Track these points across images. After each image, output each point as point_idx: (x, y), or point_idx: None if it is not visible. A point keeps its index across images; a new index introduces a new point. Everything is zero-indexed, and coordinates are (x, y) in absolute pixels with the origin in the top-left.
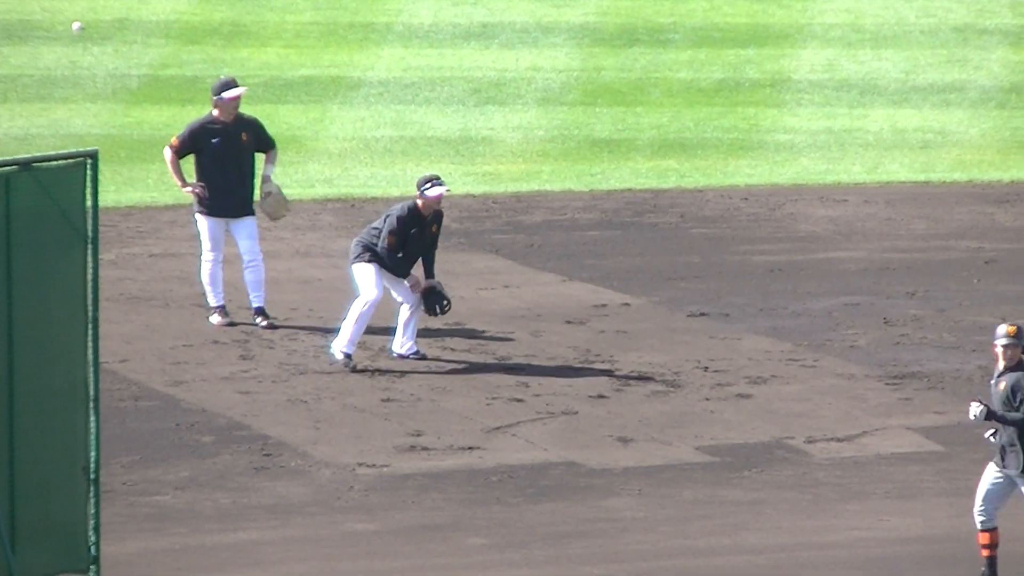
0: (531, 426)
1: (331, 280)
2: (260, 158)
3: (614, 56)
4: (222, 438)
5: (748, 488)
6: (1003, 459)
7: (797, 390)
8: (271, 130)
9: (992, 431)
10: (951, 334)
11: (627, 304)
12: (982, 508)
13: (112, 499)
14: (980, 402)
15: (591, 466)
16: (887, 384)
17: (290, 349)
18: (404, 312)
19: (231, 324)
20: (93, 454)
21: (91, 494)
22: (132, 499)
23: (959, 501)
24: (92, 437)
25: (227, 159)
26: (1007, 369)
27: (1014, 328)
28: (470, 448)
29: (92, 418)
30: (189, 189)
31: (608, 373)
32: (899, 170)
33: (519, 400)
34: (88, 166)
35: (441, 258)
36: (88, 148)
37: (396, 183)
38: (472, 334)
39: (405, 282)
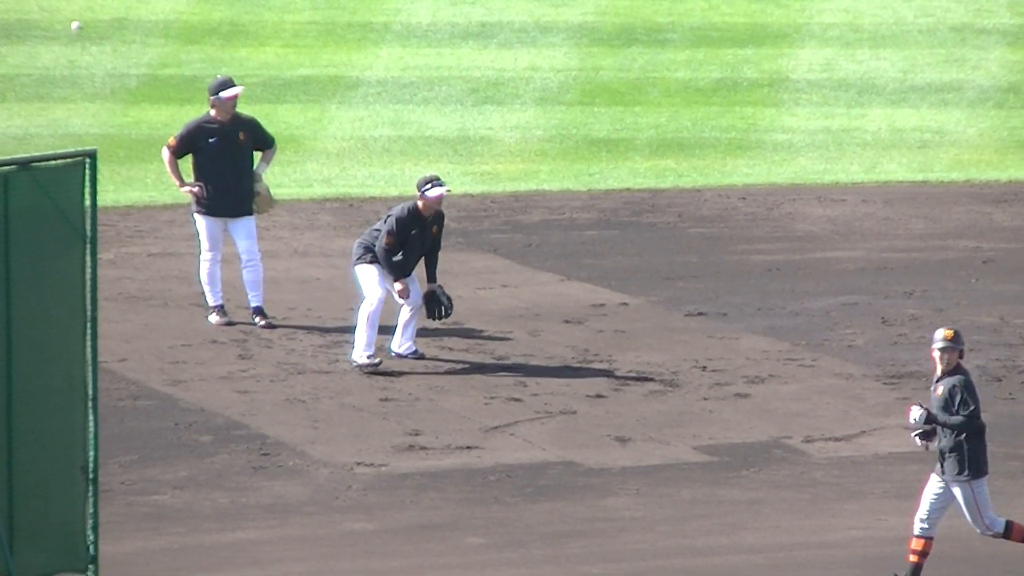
0: (529, 425)
1: (329, 280)
2: (259, 157)
3: (612, 56)
4: (220, 437)
5: (746, 487)
6: (942, 466)
7: (795, 390)
8: (270, 129)
9: (918, 433)
10: None
11: (625, 304)
12: (925, 517)
13: (110, 498)
14: (920, 405)
15: (589, 466)
16: (885, 384)
17: (288, 348)
18: (405, 313)
19: (229, 323)
20: (91, 453)
21: (89, 493)
22: (130, 498)
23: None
24: (90, 436)
25: (225, 159)
26: (945, 374)
27: (951, 332)
28: (468, 447)
29: (90, 417)
30: (187, 189)
31: (606, 373)
32: (897, 170)
33: (517, 400)
34: (87, 166)
35: (440, 257)
36: (87, 148)
37: (394, 182)
38: (470, 334)
39: (396, 286)
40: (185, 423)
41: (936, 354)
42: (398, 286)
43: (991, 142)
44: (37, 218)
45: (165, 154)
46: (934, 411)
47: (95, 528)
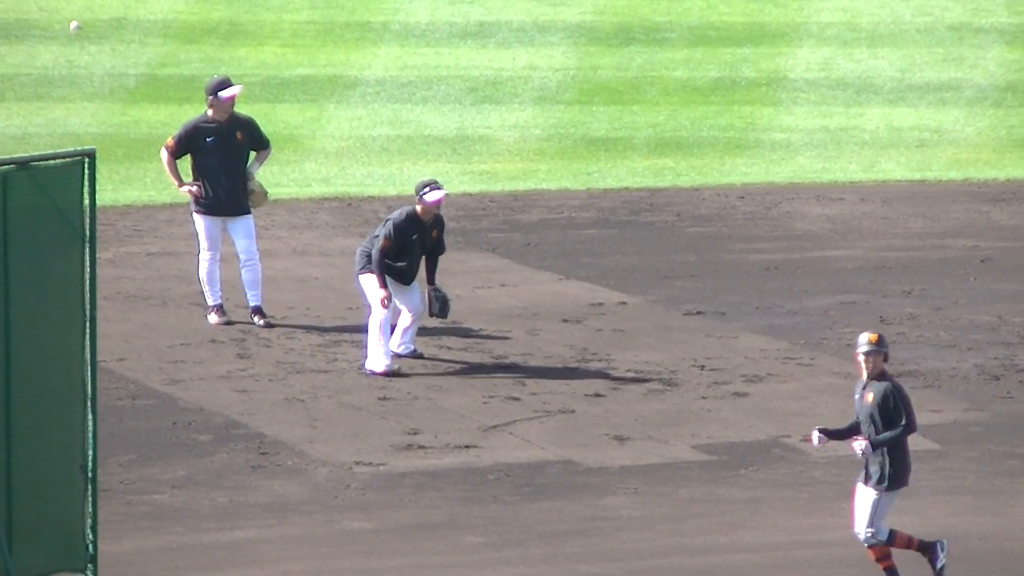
0: (528, 425)
1: (328, 279)
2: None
3: (610, 55)
4: (219, 437)
5: (745, 486)
6: (866, 473)
7: (793, 388)
8: (268, 129)
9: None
10: (947, 332)
11: (624, 303)
12: (869, 528)
13: (109, 498)
14: (860, 439)
15: (588, 465)
16: None
17: (287, 348)
18: (406, 319)
19: (228, 323)
20: (90, 453)
21: (88, 493)
22: (129, 498)
23: (955, 499)
24: (89, 436)
25: (223, 158)
26: (871, 379)
27: (876, 336)
28: (467, 447)
29: (89, 417)
30: (186, 189)
31: (604, 372)
32: (895, 169)
33: (516, 399)
34: (85, 165)
35: (445, 252)
36: (85, 147)
37: (393, 182)
38: (469, 333)
39: (382, 291)
40: (184, 422)
41: (861, 358)
42: (382, 293)
43: (989, 141)
44: (36, 218)
45: (163, 155)
46: (860, 418)
47: (94, 527)
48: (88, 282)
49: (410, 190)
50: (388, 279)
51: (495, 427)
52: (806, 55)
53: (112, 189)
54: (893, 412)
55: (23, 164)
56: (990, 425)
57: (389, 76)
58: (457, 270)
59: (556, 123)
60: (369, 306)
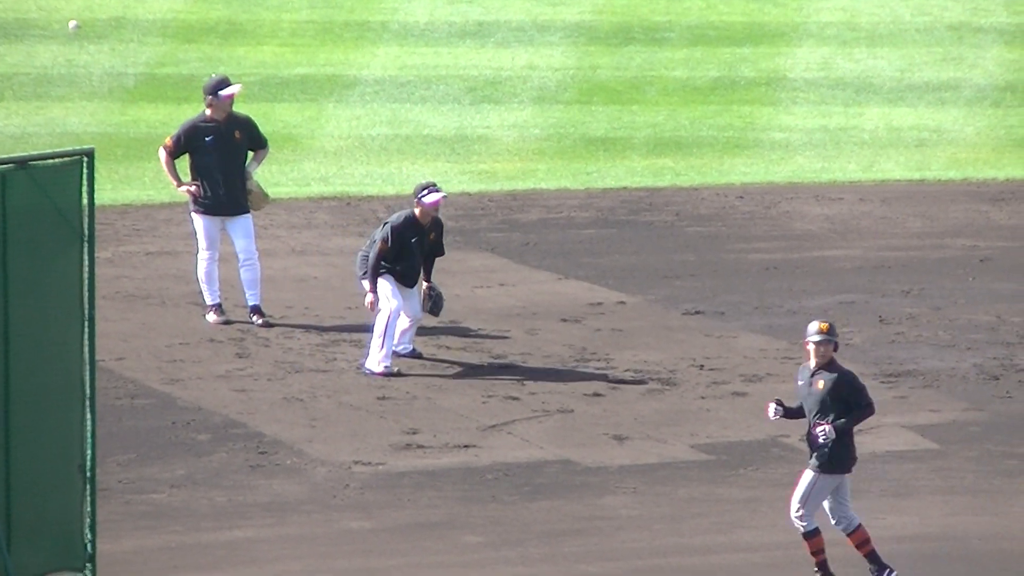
0: (527, 424)
1: (327, 278)
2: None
3: (610, 55)
4: (218, 436)
5: (743, 486)
6: (812, 455)
7: (792, 388)
8: (266, 128)
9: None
10: (946, 332)
11: (623, 302)
12: (799, 507)
13: (108, 497)
14: (823, 423)
15: (586, 464)
16: (882, 382)
17: (286, 347)
18: (404, 322)
19: (227, 322)
20: (89, 452)
21: (87, 492)
22: (128, 497)
23: (954, 499)
24: (88, 435)
25: (221, 157)
26: (819, 367)
27: (827, 324)
28: (466, 446)
29: (88, 416)
30: (185, 188)
31: (603, 371)
32: (894, 168)
33: (515, 398)
34: (84, 164)
35: (444, 255)
36: (84, 146)
37: (392, 181)
38: (468, 332)
39: (368, 295)
40: (183, 422)
41: (811, 347)
42: (369, 298)
43: (988, 141)
44: (35, 217)
45: (162, 155)
46: (808, 405)
47: (92, 527)
48: (87, 281)
49: (409, 190)
50: (391, 282)
51: (494, 427)
52: (805, 55)
53: (111, 188)
54: (850, 398)
55: (22, 163)
56: (989, 425)
57: (388, 76)
58: (456, 269)
59: (555, 123)
60: (376, 310)
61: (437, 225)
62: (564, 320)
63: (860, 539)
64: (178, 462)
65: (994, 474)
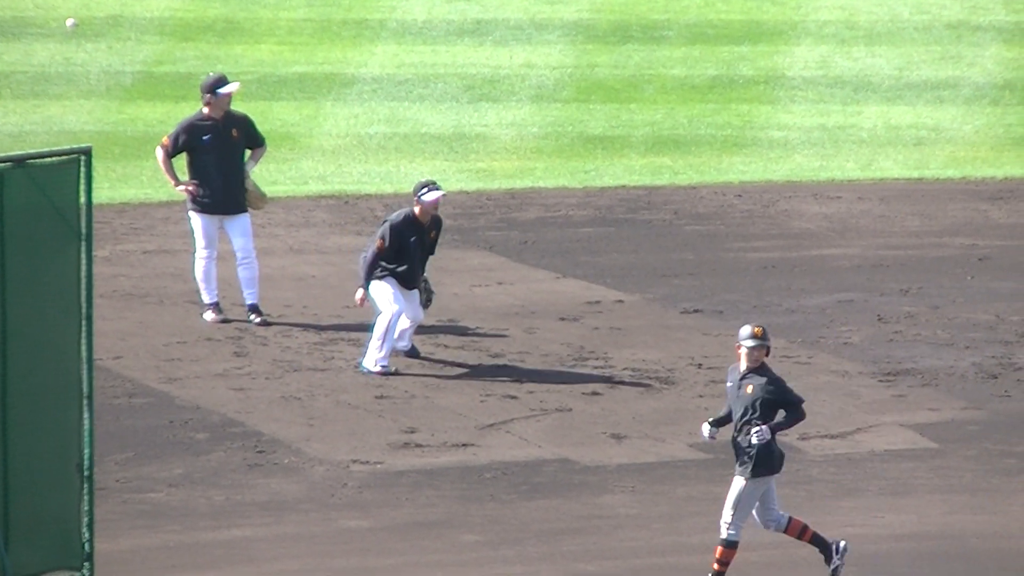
0: (525, 423)
1: (325, 277)
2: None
3: (608, 53)
4: (216, 435)
5: None
6: (737, 460)
7: (791, 387)
8: (265, 127)
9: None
10: (945, 331)
11: (621, 301)
12: (729, 515)
13: (106, 496)
14: (759, 423)
15: (585, 463)
16: (881, 381)
17: (284, 346)
18: (403, 323)
19: (225, 321)
20: (87, 451)
21: (85, 491)
22: (126, 496)
23: (953, 498)
24: (86, 434)
25: (219, 156)
26: (750, 371)
27: (760, 329)
28: (464, 445)
29: (86, 415)
30: (182, 187)
31: (602, 370)
32: (893, 167)
33: (513, 397)
34: (82, 163)
35: (435, 255)
36: (82, 145)
37: (390, 180)
38: (466, 331)
39: (358, 293)
40: (180, 421)
41: (743, 351)
42: (359, 293)
43: (987, 139)
44: (32, 216)
45: (159, 154)
46: (737, 408)
47: (90, 526)
48: (84, 280)
49: (407, 188)
50: (393, 283)
51: (492, 425)
52: (804, 53)
53: (108, 187)
54: (781, 400)
55: (19, 162)
56: (988, 424)
57: (386, 74)
58: (454, 268)
59: (553, 121)
60: (378, 312)
61: (437, 223)
62: (562, 319)
63: (797, 529)
64: (176, 461)
65: (992, 473)
